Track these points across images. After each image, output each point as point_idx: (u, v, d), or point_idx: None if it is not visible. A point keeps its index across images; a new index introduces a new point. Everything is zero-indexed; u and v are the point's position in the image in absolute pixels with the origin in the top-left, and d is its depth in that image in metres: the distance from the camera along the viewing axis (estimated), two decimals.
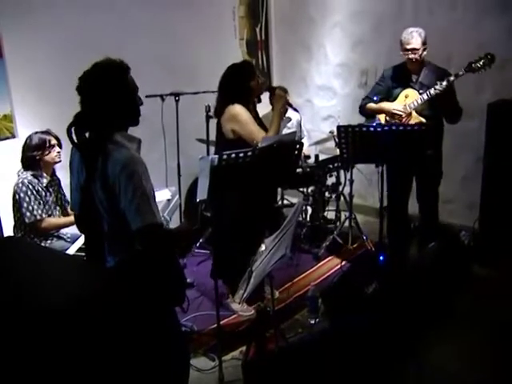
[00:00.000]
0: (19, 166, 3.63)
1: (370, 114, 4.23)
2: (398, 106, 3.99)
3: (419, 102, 3.89)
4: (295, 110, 4.24)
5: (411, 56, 3.88)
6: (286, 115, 5.34)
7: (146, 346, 1.61)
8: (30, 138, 3.62)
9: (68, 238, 3.74)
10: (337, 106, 5.80)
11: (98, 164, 2.13)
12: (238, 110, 3.61)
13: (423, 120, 3.91)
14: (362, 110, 4.28)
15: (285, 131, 5.28)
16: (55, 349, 1.37)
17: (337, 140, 4.25)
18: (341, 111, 5.58)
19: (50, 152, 3.62)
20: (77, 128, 2.17)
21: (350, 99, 5.70)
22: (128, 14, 4.56)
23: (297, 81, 6.12)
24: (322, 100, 6.00)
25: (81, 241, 3.48)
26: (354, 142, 3.63)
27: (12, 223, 3.63)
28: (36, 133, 3.63)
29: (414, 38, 3.85)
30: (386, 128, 3.61)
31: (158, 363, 1.63)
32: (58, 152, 3.67)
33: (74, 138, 2.17)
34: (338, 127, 3.70)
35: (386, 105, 4.07)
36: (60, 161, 3.68)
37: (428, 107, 3.92)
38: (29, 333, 1.38)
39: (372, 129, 3.60)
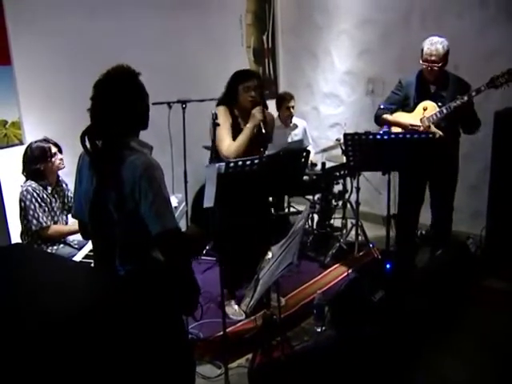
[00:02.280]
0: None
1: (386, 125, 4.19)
2: (415, 119, 3.96)
3: (438, 115, 3.86)
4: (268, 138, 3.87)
5: (432, 67, 3.82)
6: (292, 122, 5.35)
7: (151, 354, 1.60)
8: (29, 148, 3.57)
9: (75, 244, 3.74)
10: (343, 114, 5.80)
11: (112, 171, 2.12)
12: (218, 110, 3.61)
13: (442, 134, 3.85)
14: (379, 119, 4.23)
15: (290, 139, 5.30)
16: (54, 354, 1.37)
17: (343, 148, 4.25)
18: (347, 119, 5.58)
19: (52, 161, 3.58)
20: (90, 136, 2.16)
21: (356, 107, 5.70)
22: (135, 22, 4.58)
23: (303, 88, 6.13)
24: (328, 108, 6.00)
25: (88, 247, 3.48)
26: (361, 150, 3.63)
27: (19, 230, 3.64)
28: (35, 142, 3.58)
29: (438, 49, 3.78)
30: (392, 136, 3.61)
31: (163, 372, 1.63)
32: (61, 159, 3.63)
33: (88, 145, 2.16)
34: (345, 135, 3.70)
35: (402, 119, 4.03)
36: (64, 167, 3.66)
37: (445, 119, 3.87)
38: (30, 340, 1.38)
39: (379, 137, 3.59)
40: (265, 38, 6.06)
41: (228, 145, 3.57)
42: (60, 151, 3.65)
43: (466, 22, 4.63)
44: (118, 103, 2.16)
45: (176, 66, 4.87)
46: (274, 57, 6.21)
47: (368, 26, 5.38)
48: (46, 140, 3.61)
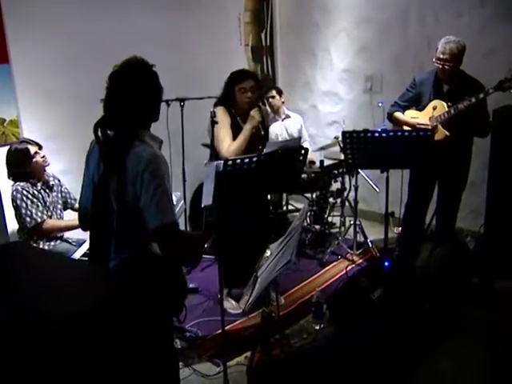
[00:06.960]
0: None
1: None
2: (424, 119, 3.96)
3: (446, 115, 3.84)
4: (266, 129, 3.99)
5: (444, 66, 3.79)
6: (285, 113, 5.34)
7: (141, 356, 1.59)
8: (10, 153, 3.58)
9: (73, 241, 3.75)
10: (342, 112, 5.80)
11: (118, 160, 2.13)
12: (216, 110, 3.62)
13: (448, 134, 3.86)
14: (390, 117, 4.24)
15: (285, 130, 5.28)
16: (53, 354, 1.37)
17: (342, 146, 4.25)
18: (346, 117, 5.58)
19: (34, 162, 3.58)
20: (103, 127, 2.18)
21: (355, 105, 5.70)
22: (134, 21, 4.58)
23: (302, 86, 6.13)
24: (326, 105, 6.00)
25: (86, 245, 3.48)
26: (359, 148, 3.63)
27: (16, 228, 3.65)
28: (14, 145, 3.59)
29: (451, 49, 3.74)
30: (390, 134, 3.61)
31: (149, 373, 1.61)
32: (43, 156, 3.64)
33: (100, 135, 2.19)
34: (343, 133, 3.70)
35: (410, 119, 4.04)
36: (48, 164, 3.67)
37: (454, 120, 3.84)
38: (29, 341, 1.38)
39: (377, 134, 3.60)
40: (263, 36, 6.05)
41: (228, 145, 3.58)
42: (40, 148, 3.65)
43: (465, 20, 4.63)
44: (132, 95, 2.17)
45: (174, 63, 4.86)
46: (272, 55, 6.21)
47: (366, 24, 5.38)
48: (24, 141, 3.63)
